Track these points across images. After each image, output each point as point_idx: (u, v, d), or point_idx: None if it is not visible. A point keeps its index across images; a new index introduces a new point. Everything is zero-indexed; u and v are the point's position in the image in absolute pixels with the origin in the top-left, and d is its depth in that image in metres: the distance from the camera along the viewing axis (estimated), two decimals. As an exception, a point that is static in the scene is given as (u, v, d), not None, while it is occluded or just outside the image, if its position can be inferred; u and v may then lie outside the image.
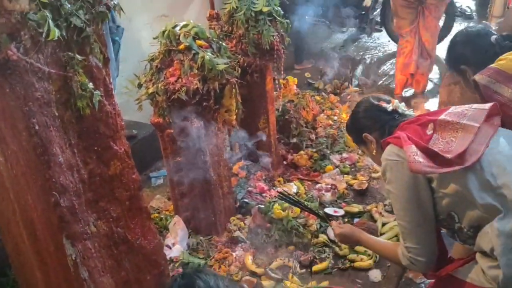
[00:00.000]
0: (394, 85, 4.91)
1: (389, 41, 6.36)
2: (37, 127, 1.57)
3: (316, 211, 2.63)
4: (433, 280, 1.93)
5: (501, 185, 1.53)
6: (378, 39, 6.48)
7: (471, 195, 1.55)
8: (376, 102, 1.90)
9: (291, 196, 2.54)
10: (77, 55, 1.61)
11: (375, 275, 2.63)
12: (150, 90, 2.51)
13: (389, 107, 1.87)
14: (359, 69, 5.50)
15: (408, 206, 1.69)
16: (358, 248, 2.75)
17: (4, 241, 2.16)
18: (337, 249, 2.81)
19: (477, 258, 1.62)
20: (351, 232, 2.07)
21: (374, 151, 1.88)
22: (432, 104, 4.46)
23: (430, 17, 4.13)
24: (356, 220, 3.07)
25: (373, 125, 1.88)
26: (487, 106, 1.68)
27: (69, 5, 1.52)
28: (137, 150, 3.74)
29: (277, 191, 2.84)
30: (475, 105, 1.73)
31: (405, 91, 4.69)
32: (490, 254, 1.54)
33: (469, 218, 1.61)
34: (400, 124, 1.77)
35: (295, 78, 4.34)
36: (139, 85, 2.59)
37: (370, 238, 2.05)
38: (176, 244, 2.81)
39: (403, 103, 1.90)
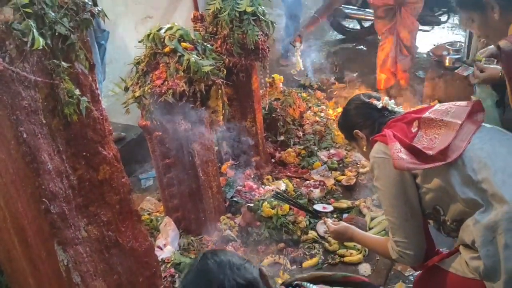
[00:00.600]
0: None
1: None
2: (25, 136, 1.58)
3: (313, 211, 2.69)
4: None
5: (481, 180, 1.58)
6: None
7: (453, 190, 1.61)
8: (366, 100, 1.95)
9: (286, 196, 2.59)
10: (63, 63, 1.61)
11: (365, 269, 2.68)
12: (137, 94, 2.52)
13: (379, 105, 1.92)
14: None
15: (396, 202, 1.74)
16: (347, 243, 2.79)
17: (-5, 249, 2.17)
18: (326, 244, 2.86)
19: (460, 250, 1.68)
20: (345, 230, 2.12)
21: (365, 148, 1.93)
22: (416, 99, 4.52)
23: (407, 14, 4.18)
24: (345, 215, 3.11)
25: (363, 122, 1.93)
26: (470, 103, 1.74)
27: (53, 14, 1.53)
28: (126, 153, 3.75)
29: (273, 191, 2.89)
30: (458, 103, 1.79)
31: (391, 88, 4.75)
32: (472, 246, 1.60)
33: (452, 211, 1.67)
34: (388, 122, 1.83)
35: (281, 76, 4.36)
36: (126, 89, 2.61)
37: (362, 234, 2.11)
38: (167, 245, 2.83)
39: (392, 100, 1.95)
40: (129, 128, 3.92)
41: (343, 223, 2.18)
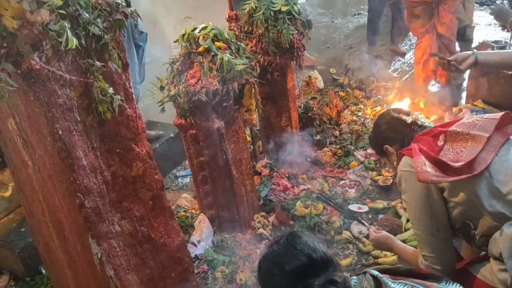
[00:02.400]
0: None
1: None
2: (60, 132, 1.64)
3: (353, 216, 2.73)
4: None
5: (509, 192, 1.55)
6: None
7: (481, 203, 1.59)
8: (396, 115, 1.98)
9: (328, 198, 2.69)
10: (97, 62, 1.67)
11: (399, 271, 2.62)
12: (172, 92, 2.57)
13: (409, 120, 1.94)
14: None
15: (421, 216, 1.74)
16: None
17: (36, 241, 2.27)
18: (360, 245, 2.82)
19: (491, 261, 1.64)
20: (385, 239, 2.14)
21: (395, 163, 1.94)
22: (459, 98, 4.39)
23: (445, 12, 4.06)
24: (380, 216, 3.06)
25: (393, 137, 1.95)
26: (498, 115, 1.70)
27: (87, 15, 1.58)
28: (164, 151, 3.85)
29: (317, 192, 2.88)
30: (486, 115, 1.77)
31: (432, 85, 4.64)
32: (500, 258, 1.56)
33: (481, 226, 1.65)
34: (415, 136, 1.83)
35: (318, 75, 4.33)
36: (161, 88, 2.66)
37: (401, 246, 2.10)
38: (201, 241, 2.87)
39: (422, 115, 1.96)
40: (168, 126, 3.99)
41: (384, 232, 2.18)
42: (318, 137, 3.86)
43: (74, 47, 1.51)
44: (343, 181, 3.40)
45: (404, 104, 4.28)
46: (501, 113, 1.72)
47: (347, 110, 4.27)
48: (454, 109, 4.06)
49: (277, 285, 1.40)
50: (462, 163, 1.60)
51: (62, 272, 2.14)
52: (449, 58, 2.18)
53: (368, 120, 4.10)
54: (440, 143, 1.74)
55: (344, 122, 4.06)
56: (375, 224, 2.91)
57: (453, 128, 1.74)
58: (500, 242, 1.54)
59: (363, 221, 2.63)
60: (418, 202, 1.73)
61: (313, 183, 3.39)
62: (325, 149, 3.75)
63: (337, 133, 3.93)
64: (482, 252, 1.81)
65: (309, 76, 4.17)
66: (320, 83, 4.31)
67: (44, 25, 1.50)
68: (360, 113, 4.27)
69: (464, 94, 4.41)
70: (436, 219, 1.72)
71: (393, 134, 1.95)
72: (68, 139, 1.67)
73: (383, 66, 5.17)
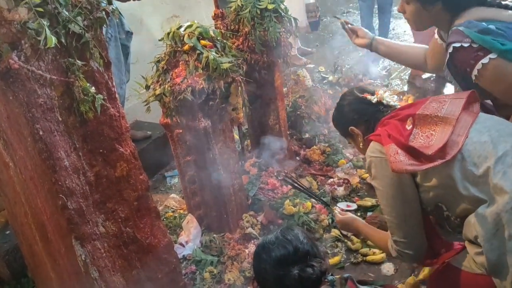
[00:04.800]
0: (408, 75, 4.88)
1: (404, 31, 6.30)
2: (41, 133, 1.61)
3: (319, 197, 2.69)
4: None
5: (482, 174, 1.53)
6: (393, 29, 6.40)
7: (455, 186, 1.57)
8: (360, 95, 1.92)
9: (294, 180, 2.64)
10: (78, 61, 1.64)
11: (388, 268, 2.62)
12: (158, 91, 2.54)
13: (374, 99, 1.88)
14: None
15: (393, 202, 1.72)
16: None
17: (19, 243, 2.23)
18: (349, 243, 2.81)
19: (466, 245, 1.63)
20: (351, 221, 2.16)
21: (361, 144, 1.90)
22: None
23: None
24: (369, 213, 3.05)
25: (358, 118, 1.90)
26: (464, 95, 1.69)
27: (66, 13, 1.55)
28: (152, 151, 3.82)
29: (282, 175, 2.87)
30: (452, 94, 1.78)
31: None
32: (475, 242, 1.55)
33: (455, 208, 1.63)
34: (381, 120, 1.79)
35: (307, 73, 4.33)
36: (147, 87, 2.63)
37: (367, 227, 2.11)
38: (189, 242, 2.85)
39: (387, 93, 1.90)
40: (155, 126, 3.95)
41: (350, 214, 2.19)
42: (306, 135, 3.85)
43: (53, 45, 1.47)
44: (331, 179, 3.39)
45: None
46: (467, 92, 1.71)
47: (335, 108, 4.26)
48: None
49: (262, 269, 1.57)
50: (434, 150, 1.57)
51: (46, 275, 2.10)
52: (350, 26, 2.44)
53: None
54: (408, 127, 1.70)
55: (333, 120, 4.05)
56: (367, 220, 2.91)
57: (420, 111, 1.71)
58: (475, 225, 1.52)
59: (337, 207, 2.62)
60: (390, 189, 1.70)
61: (302, 181, 3.37)
62: (314, 147, 3.74)
63: (326, 131, 3.93)
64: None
65: (298, 75, 4.16)
66: (309, 82, 4.29)
67: (22, 23, 1.47)
68: (348, 111, 4.26)
69: (452, 90, 4.43)
70: (408, 204, 1.71)
71: (357, 115, 1.90)
72: (49, 140, 1.64)
73: (372, 64, 5.18)
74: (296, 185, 2.56)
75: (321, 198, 2.67)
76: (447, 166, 1.57)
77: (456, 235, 1.72)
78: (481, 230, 1.50)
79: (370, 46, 2.38)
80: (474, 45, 1.71)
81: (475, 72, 1.73)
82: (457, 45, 1.75)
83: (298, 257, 1.52)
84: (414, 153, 1.61)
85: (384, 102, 1.87)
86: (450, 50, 1.78)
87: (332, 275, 1.55)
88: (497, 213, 1.47)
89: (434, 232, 1.83)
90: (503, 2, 1.86)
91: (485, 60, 1.70)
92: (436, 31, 2.12)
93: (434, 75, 4.49)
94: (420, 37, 4.31)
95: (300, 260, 1.51)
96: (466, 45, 1.72)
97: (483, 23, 1.75)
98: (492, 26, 1.73)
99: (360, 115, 1.89)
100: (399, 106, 1.86)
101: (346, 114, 1.94)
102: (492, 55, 1.69)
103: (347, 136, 2.00)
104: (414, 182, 1.68)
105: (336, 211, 2.25)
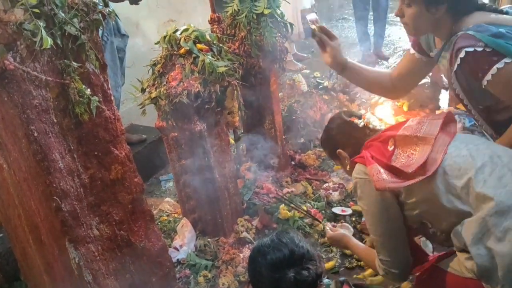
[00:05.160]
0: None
1: (400, 37, 6.34)
2: (36, 134, 1.61)
3: (310, 214, 2.81)
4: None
5: (464, 185, 1.58)
6: (388, 36, 6.43)
7: (439, 199, 1.64)
8: (347, 118, 1.99)
9: (285, 198, 2.78)
10: (73, 63, 1.64)
11: (382, 273, 2.62)
12: (153, 95, 2.54)
13: (360, 123, 1.95)
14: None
15: (377, 221, 1.78)
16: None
17: (12, 246, 2.22)
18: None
19: (457, 253, 1.67)
20: (341, 237, 2.18)
21: (348, 167, 1.96)
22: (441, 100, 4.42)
23: None
24: (363, 219, 3.05)
25: (346, 141, 1.97)
26: (442, 116, 1.76)
27: (62, 14, 1.55)
28: (147, 154, 3.81)
29: (277, 195, 2.89)
30: (431, 116, 1.85)
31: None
32: (465, 249, 1.58)
33: (440, 223, 1.68)
34: (365, 142, 1.87)
35: (302, 78, 4.34)
36: (143, 90, 2.63)
37: (357, 245, 2.15)
38: (184, 246, 2.83)
39: (374, 117, 2.00)
40: (150, 130, 3.95)
41: (340, 231, 2.22)
42: (302, 140, 3.85)
43: (49, 46, 1.48)
44: (326, 184, 3.39)
45: (386, 107, 4.30)
46: (444, 113, 1.77)
47: (330, 114, 4.27)
48: (437, 112, 4.09)
49: (258, 272, 1.55)
50: (415, 167, 1.63)
51: (40, 278, 2.09)
52: (324, 38, 2.13)
53: (352, 123, 4.10)
54: (390, 148, 1.77)
55: (328, 125, 4.06)
56: (359, 227, 2.92)
57: (401, 132, 1.78)
58: (462, 232, 1.57)
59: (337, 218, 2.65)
60: (374, 208, 1.76)
61: (297, 186, 3.38)
62: (309, 152, 3.74)
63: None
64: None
65: (293, 79, 4.17)
66: (304, 87, 4.31)
67: (18, 24, 1.47)
68: (344, 116, 4.27)
69: (447, 97, 4.44)
70: (392, 223, 1.76)
71: (345, 138, 1.97)
72: (44, 141, 1.64)
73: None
74: (292, 204, 2.67)
75: (313, 215, 2.79)
76: (430, 181, 1.62)
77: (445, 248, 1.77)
78: (467, 235, 1.54)
79: (341, 70, 2.20)
80: (488, 49, 1.67)
81: (488, 77, 1.69)
82: (470, 49, 1.69)
83: (293, 260, 1.51)
84: (396, 172, 1.67)
85: (371, 126, 1.95)
86: (462, 55, 1.72)
87: (328, 278, 1.56)
88: (483, 218, 1.51)
89: (418, 248, 1.91)
90: (496, 7, 1.87)
91: (500, 65, 1.67)
92: (411, 44, 2.10)
93: (429, 80, 4.51)
94: None
95: (295, 263, 1.51)
96: (479, 49, 1.68)
97: (493, 27, 1.72)
98: (503, 30, 1.70)
99: (347, 138, 1.96)
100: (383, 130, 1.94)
101: (334, 137, 2.01)
102: (507, 59, 1.66)
103: (335, 159, 2.06)
104: (397, 202, 1.74)
105: (327, 228, 2.28)
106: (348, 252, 2.77)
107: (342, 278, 1.57)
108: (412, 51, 2.11)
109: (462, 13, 1.82)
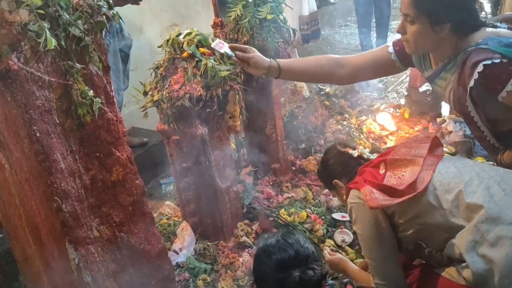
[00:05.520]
0: (405, 88, 4.91)
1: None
2: (38, 134, 1.61)
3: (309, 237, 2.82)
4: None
5: (455, 197, 1.65)
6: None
7: (431, 216, 1.73)
8: (342, 149, 2.11)
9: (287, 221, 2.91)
10: (77, 64, 1.65)
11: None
12: (155, 98, 2.55)
13: (355, 153, 2.07)
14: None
15: (372, 244, 1.85)
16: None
17: (12, 247, 2.21)
18: (343, 253, 2.80)
19: (455, 263, 1.70)
20: (339, 261, 2.25)
21: (344, 196, 2.03)
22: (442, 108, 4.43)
23: None
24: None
25: (341, 171, 2.08)
26: (428, 140, 1.87)
27: (67, 16, 1.56)
28: (148, 157, 3.82)
29: (276, 217, 2.98)
30: (417, 141, 1.99)
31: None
32: (461, 259, 1.62)
33: (435, 242, 1.74)
34: (358, 169, 1.97)
35: (305, 84, 4.35)
36: (145, 93, 2.64)
37: (353, 269, 2.21)
38: (183, 249, 2.84)
39: (367, 149, 2.11)
40: (152, 133, 3.96)
41: (338, 255, 2.31)
42: (303, 145, 3.86)
43: (53, 47, 1.48)
44: (326, 190, 3.39)
45: (387, 115, 4.31)
46: (430, 138, 1.88)
47: (332, 119, 4.28)
48: (438, 120, 4.09)
49: (263, 272, 1.58)
50: (405, 185, 1.71)
51: (39, 279, 2.09)
52: (240, 54, 2.08)
53: (353, 130, 4.11)
54: (381, 171, 1.86)
55: (329, 131, 4.07)
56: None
57: (391, 156, 1.88)
58: (456, 243, 1.62)
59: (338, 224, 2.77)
60: (368, 231, 1.82)
61: (297, 191, 3.38)
62: (310, 157, 3.74)
63: (322, 142, 3.94)
64: None
65: (295, 85, 4.18)
66: (306, 92, 4.32)
67: (23, 25, 1.48)
68: (345, 123, 4.28)
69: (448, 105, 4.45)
70: (386, 246, 1.82)
71: (340, 168, 2.08)
72: (46, 142, 1.64)
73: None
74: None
75: (310, 237, 2.86)
76: (421, 198, 1.70)
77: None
78: (461, 244, 1.59)
79: (277, 73, 2.11)
80: (504, 60, 1.64)
81: (508, 87, 1.64)
82: (488, 62, 1.64)
83: (299, 260, 1.54)
84: (388, 191, 1.75)
85: (365, 156, 2.06)
86: (480, 69, 1.65)
87: (332, 279, 1.59)
88: (475, 225, 1.56)
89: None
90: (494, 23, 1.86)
91: None
92: (393, 44, 2.05)
93: (431, 89, 4.51)
94: None
95: (301, 263, 1.53)
96: (497, 61, 1.64)
97: (503, 38, 1.69)
98: None
99: (343, 168, 2.07)
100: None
101: (330, 167, 2.12)
102: None
103: (332, 189, 2.15)
104: (391, 224, 1.81)
105: (326, 252, 2.35)
106: (347, 257, 2.77)
107: (345, 280, 1.59)
108: (391, 50, 2.04)
109: (466, 32, 1.77)
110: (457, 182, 1.67)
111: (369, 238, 1.83)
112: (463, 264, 1.60)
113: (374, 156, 2.06)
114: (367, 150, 2.11)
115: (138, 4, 3.28)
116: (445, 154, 1.90)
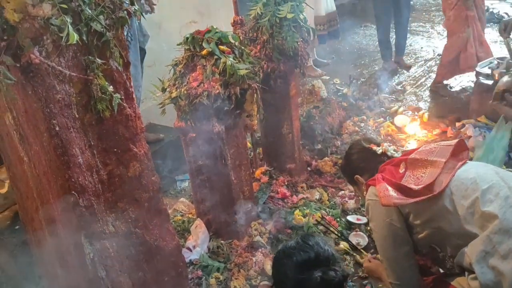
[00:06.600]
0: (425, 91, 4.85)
1: (422, 48, 6.28)
2: (57, 128, 1.62)
3: (347, 239, 2.83)
4: None
5: (470, 204, 1.63)
6: (410, 45, 6.37)
7: (445, 221, 1.70)
8: (367, 145, 2.10)
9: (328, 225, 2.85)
10: (97, 59, 1.65)
11: (396, 284, 2.59)
12: (173, 95, 2.55)
13: (379, 150, 2.06)
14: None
15: (386, 243, 1.84)
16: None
17: (28, 238, 2.23)
18: (358, 257, 2.77)
19: (466, 273, 1.68)
20: (376, 268, 2.19)
21: (365, 192, 2.02)
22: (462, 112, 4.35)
23: None
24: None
25: (364, 167, 2.07)
26: (453, 143, 1.83)
27: (89, 11, 1.57)
28: (164, 154, 3.82)
29: (318, 219, 2.95)
30: (443, 143, 1.90)
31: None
32: (471, 269, 1.60)
33: (448, 246, 1.73)
34: (380, 167, 1.95)
35: (322, 84, 4.32)
36: (163, 90, 2.64)
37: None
38: (197, 247, 2.83)
39: (392, 146, 2.08)
40: (169, 130, 3.97)
41: (377, 261, 2.24)
42: (319, 146, 3.83)
43: (74, 42, 1.49)
44: (342, 192, 3.37)
45: (405, 117, 4.26)
46: (456, 140, 1.84)
47: (349, 121, 4.25)
48: (457, 124, 4.03)
49: (283, 273, 1.55)
50: (422, 186, 1.70)
51: (54, 272, 2.10)
52: None
53: (370, 132, 4.07)
54: (401, 170, 1.85)
55: (346, 133, 4.04)
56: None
57: (412, 155, 1.86)
58: (468, 252, 1.60)
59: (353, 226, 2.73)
60: (383, 231, 1.82)
61: (312, 192, 3.36)
62: (326, 158, 3.72)
63: (339, 143, 3.91)
64: None
65: (313, 85, 4.16)
66: (324, 93, 4.29)
67: (46, 19, 1.48)
68: (362, 124, 4.25)
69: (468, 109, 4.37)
70: (400, 246, 1.81)
71: (363, 164, 2.07)
72: (65, 136, 1.65)
73: (387, 79, 5.16)
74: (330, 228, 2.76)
75: (349, 240, 2.83)
76: (437, 201, 1.68)
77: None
78: (472, 253, 1.57)
79: None
80: None
81: None
82: None
83: (320, 261, 1.52)
84: (403, 190, 1.74)
85: (389, 154, 2.04)
86: None
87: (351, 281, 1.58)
88: (487, 235, 1.54)
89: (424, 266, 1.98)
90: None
91: None
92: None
93: (462, 84, 4.42)
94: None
95: (322, 264, 1.52)
96: None
97: None
98: None
99: (365, 164, 2.06)
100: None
101: (353, 162, 2.11)
102: None
103: (353, 184, 2.15)
104: (405, 226, 1.79)
105: (366, 258, 2.35)
106: (362, 261, 2.74)
107: (365, 282, 1.57)
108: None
109: None
110: (474, 189, 1.65)
111: (384, 236, 1.83)
112: (472, 276, 1.59)
113: (398, 154, 2.04)
114: (392, 148, 2.08)
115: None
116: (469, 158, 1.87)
